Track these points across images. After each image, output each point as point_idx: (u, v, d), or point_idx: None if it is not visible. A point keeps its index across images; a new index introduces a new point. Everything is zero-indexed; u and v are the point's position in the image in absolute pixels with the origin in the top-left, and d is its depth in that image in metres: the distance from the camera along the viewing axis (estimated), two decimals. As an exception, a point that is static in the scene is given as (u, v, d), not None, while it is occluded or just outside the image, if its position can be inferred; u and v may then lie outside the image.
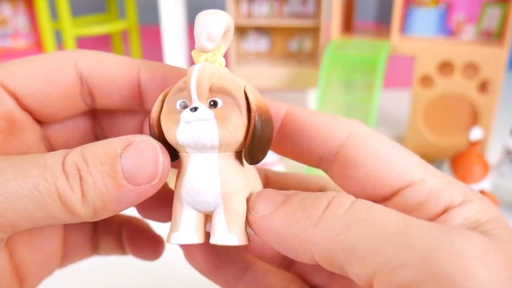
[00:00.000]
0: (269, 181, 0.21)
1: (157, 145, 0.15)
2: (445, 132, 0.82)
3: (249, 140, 0.15)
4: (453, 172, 0.64)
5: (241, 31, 1.01)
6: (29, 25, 0.87)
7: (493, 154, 0.80)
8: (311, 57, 1.01)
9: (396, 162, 0.16)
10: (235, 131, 0.15)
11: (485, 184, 0.62)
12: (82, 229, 0.22)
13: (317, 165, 0.18)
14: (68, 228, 0.21)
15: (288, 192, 0.16)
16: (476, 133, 0.65)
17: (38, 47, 0.88)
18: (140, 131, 0.20)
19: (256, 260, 0.20)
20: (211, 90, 0.15)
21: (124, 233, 0.22)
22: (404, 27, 0.82)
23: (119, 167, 0.14)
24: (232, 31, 0.16)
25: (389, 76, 1.21)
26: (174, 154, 0.16)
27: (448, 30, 0.81)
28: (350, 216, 0.13)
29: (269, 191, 0.16)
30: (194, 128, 0.15)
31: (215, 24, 0.15)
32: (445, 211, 0.15)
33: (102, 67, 0.17)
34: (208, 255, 0.18)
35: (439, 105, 0.80)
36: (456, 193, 0.15)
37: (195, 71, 0.15)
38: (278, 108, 0.18)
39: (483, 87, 0.76)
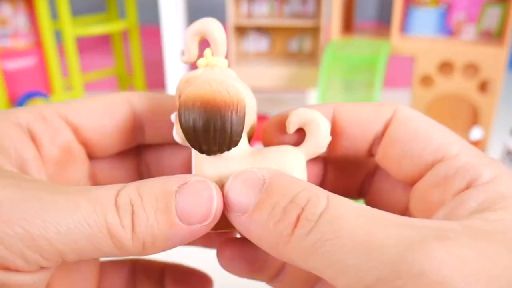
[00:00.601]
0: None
1: (212, 187, 0.15)
2: (445, 132, 0.82)
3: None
4: (453, 172, 0.64)
5: (241, 31, 1.01)
6: (29, 25, 0.87)
7: (493, 154, 0.80)
8: (311, 57, 1.01)
9: (433, 139, 0.16)
10: None
11: (485, 184, 0.62)
12: (119, 272, 0.21)
13: (368, 154, 0.18)
14: (104, 269, 0.21)
15: (262, 179, 0.15)
16: (476, 133, 0.65)
17: (38, 47, 0.88)
18: (187, 169, 0.20)
19: None
20: None
21: (168, 278, 0.22)
22: (404, 27, 0.82)
23: (173, 204, 0.14)
24: (213, 31, 0.17)
25: (389, 76, 1.21)
26: None
27: (448, 30, 0.81)
28: (316, 236, 0.13)
29: (237, 185, 0.15)
30: None
31: (185, 38, 0.17)
32: (467, 187, 0.15)
33: (153, 103, 0.19)
34: (247, 264, 0.18)
35: (439, 105, 0.80)
36: (486, 171, 0.15)
37: None
38: (326, 109, 0.18)
39: (483, 87, 0.76)
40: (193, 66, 0.17)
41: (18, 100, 0.79)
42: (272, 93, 1.30)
